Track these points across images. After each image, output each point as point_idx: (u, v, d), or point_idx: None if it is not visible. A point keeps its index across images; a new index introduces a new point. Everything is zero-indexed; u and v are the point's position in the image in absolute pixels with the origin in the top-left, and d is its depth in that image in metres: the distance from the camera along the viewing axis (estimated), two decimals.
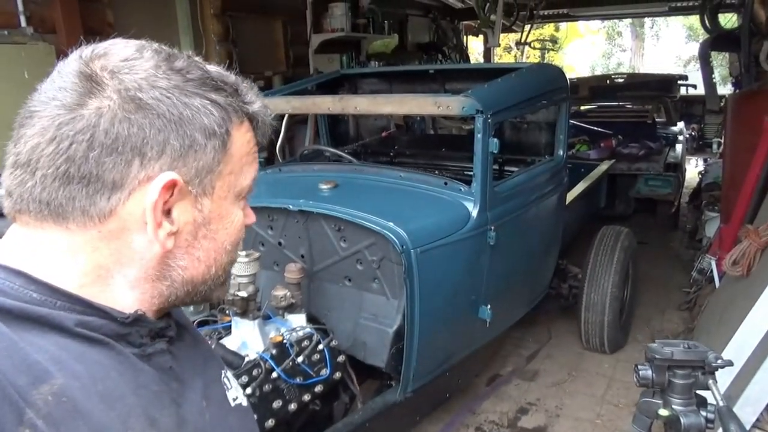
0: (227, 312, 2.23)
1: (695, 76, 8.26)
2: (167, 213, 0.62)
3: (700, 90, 7.77)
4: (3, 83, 2.93)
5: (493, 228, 2.48)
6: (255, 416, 1.86)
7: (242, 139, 0.67)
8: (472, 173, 2.49)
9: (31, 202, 0.59)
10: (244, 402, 0.79)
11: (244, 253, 2.16)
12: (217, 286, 0.71)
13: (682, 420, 1.11)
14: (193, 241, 0.65)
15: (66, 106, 0.58)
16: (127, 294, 0.63)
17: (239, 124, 0.66)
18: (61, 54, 0.63)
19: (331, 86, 3.57)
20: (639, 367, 1.14)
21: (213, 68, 0.67)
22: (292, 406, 2.06)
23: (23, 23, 3.24)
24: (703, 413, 1.12)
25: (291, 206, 2.38)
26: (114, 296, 0.62)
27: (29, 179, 0.59)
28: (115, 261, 0.62)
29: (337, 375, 2.24)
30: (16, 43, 3.17)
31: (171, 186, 0.60)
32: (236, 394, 0.78)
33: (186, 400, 0.67)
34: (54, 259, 0.60)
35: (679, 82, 7.59)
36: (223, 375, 0.78)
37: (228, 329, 2.21)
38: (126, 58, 0.61)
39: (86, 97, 0.58)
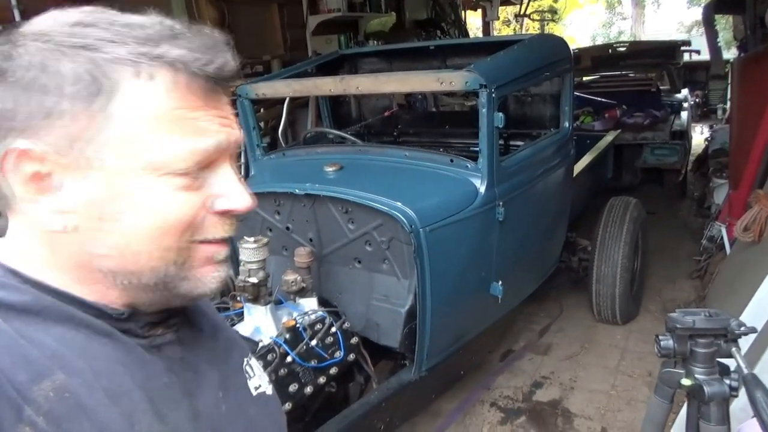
0: (239, 298, 2.23)
1: (699, 42, 8.13)
2: (51, 189, 0.56)
3: (704, 56, 7.65)
4: None
5: (501, 204, 2.46)
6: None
7: (149, 98, 0.55)
8: (477, 149, 2.46)
9: None
10: (269, 390, 0.76)
11: (252, 239, 2.15)
12: (177, 281, 0.60)
13: (706, 389, 1.10)
14: (99, 223, 0.56)
15: None
16: (84, 288, 0.59)
17: (146, 79, 0.55)
18: None
19: (331, 68, 3.52)
20: (660, 337, 1.13)
21: (127, 18, 0.57)
22: (308, 389, 2.07)
23: (17, 17, 3.21)
24: (727, 381, 1.11)
25: (297, 190, 2.36)
26: (83, 289, 0.59)
27: None
28: (48, 248, 0.58)
29: (351, 357, 2.24)
30: None
31: (20, 156, 0.54)
32: (259, 382, 0.75)
33: (200, 392, 0.65)
34: (16, 249, 0.59)
35: (682, 48, 7.43)
36: (245, 363, 0.75)
37: (240, 316, 2.21)
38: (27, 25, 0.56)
39: None
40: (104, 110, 0.54)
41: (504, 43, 2.88)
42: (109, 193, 0.55)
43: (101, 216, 0.56)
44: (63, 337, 0.54)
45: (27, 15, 3.20)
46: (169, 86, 0.55)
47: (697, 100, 8.38)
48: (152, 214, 0.56)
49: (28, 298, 0.55)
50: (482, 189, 2.41)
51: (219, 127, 0.59)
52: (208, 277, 0.62)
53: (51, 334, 0.54)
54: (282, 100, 3.42)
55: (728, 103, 6.13)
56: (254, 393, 0.73)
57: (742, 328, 1.06)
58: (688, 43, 7.77)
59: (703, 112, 8.70)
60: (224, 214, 0.61)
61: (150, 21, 0.57)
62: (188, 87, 0.56)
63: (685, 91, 6.75)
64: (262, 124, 4.43)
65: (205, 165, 0.59)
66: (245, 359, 0.76)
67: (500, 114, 2.37)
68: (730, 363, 1.12)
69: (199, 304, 0.73)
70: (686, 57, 7.85)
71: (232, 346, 0.76)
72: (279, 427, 0.78)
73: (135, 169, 0.55)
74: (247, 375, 0.74)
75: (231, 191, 0.61)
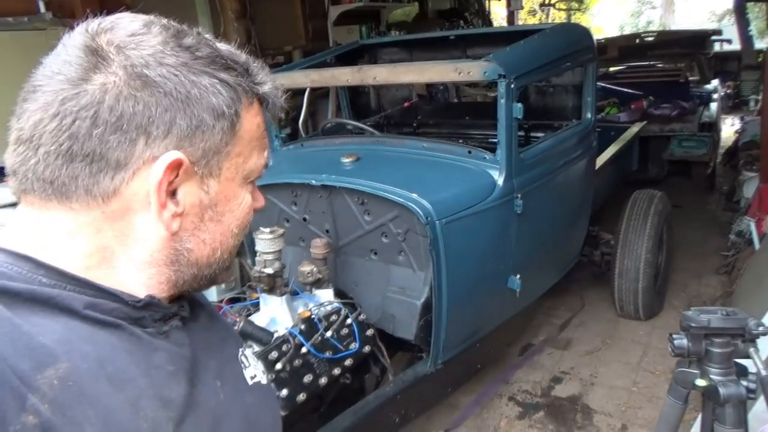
0: (255, 289, 2.24)
1: (730, 31, 7.90)
2: (172, 194, 0.60)
3: (736, 45, 7.45)
4: (26, 70, 2.95)
5: (519, 196, 2.43)
6: (285, 391, 1.88)
7: (252, 121, 0.66)
8: (496, 141, 2.43)
9: (35, 181, 0.58)
10: (264, 380, 0.77)
11: (268, 229, 2.16)
12: (222, 270, 0.69)
13: (721, 390, 1.06)
14: (199, 223, 0.64)
15: (70, 80, 0.56)
16: (134, 278, 0.62)
17: (249, 105, 0.65)
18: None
19: (351, 58, 3.51)
20: (674, 336, 1.09)
21: (223, 46, 0.65)
22: (323, 380, 2.07)
23: (42, 9, 3.25)
24: (744, 383, 1.07)
25: (313, 181, 2.36)
26: (121, 279, 0.61)
27: (32, 156, 0.57)
28: (119, 243, 0.61)
29: (367, 348, 2.24)
30: (37, 29, 3.19)
31: (176, 166, 0.59)
32: (254, 372, 0.77)
33: (200, 380, 0.66)
34: (58, 241, 0.59)
35: (713, 37, 7.23)
36: (240, 353, 0.77)
37: (256, 306, 2.22)
38: (133, 33, 0.59)
39: (91, 72, 0.56)
40: (234, 127, 0.63)
41: (525, 33, 2.83)
42: (218, 197, 0.64)
43: (204, 216, 0.64)
44: (68, 324, 0.55)
45: (51, 7, 3.25)
46: (258, 111, 0.67)
47: (728, 91, 8.16)
48: (243, 214, 0.68)
49: (34, 287, 0.55)
50: (500, 181, 2.38)
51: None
52: (233, 267, 0.72)
53: (58, 321, 0.54)
54: (303, 91, 3.41)
55: (761, 94, 5.94)
56: (250, 382, 0.75)
57: (761, 328, 1.02)
58: (719, 32, 7.56)
59: (735, 104, 8.48)
60: (254, 211, 0.71)
61: (232, 49, 0.66)
62: (263, 113, 0.69)
63: (715, 82, 6.58)
64: (282, 115, 4.44)
65: None
66: (240, 349, 0.77)
67: (519, 105, 2.34)
68: (749, 364, 1.08)
69: (196, 295, 0.75)
70: (717, 47, 7.65)
71: (228, 337, 0.78)
72: (274, 415, 0.79)
73: (237, 177, 0.66)
74: (242, 365, 0.76)
75: (258, 193, 0.72)
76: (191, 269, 0.65)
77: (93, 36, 0.58)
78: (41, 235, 0.59)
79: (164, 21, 0.62)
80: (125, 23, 0.60)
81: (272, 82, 0.68)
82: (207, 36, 0.64)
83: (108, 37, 0.58)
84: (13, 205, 0.65)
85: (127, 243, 0.61)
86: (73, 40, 0.59)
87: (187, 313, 0.69)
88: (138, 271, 0.62)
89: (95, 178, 0.57)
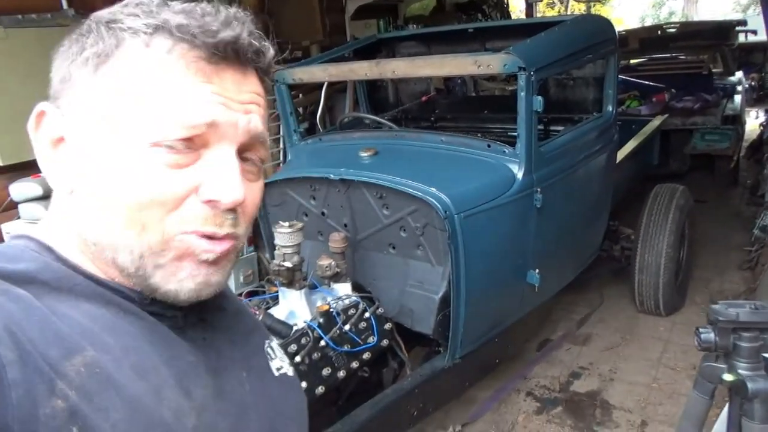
0: (274, 282, 2.25)
1: (755, 21, 7.74)
2: (63, 152, 0.59)
3: (761, 36, 7.29)
4: (48, 67, 2.99)
5: (539, 190, 2.41)
6: (304, 384, 1.89)
7: (143, 67, 0.55)
8: (516, 134, 2.41)
9: None
10: (290, 372, 0.77)
11: (287, 223, 2.17)
12: (150, 268, 0.57)
13: (749, 385, 1.04)
14: (89, 188, 0.57)
15: None
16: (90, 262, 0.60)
17: (138, 48, 0.55)
18: None
19: (368, 52, 3.50)
20: (700, 330, 1.07)
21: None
22: (341, 373, 2.08)
23: (65, 5, 3.28)
24: None
25: (332, 175, 2.36)
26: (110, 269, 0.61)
27: None
28: (63, 219, 0.62)
29: (385, 342, 2.24)
30: (60, 25, 3.22)
31: (42, 117, 0.59)
32: (280, 363, 0.76)
33: (224, 371, 0.66)
34: (59, 228, 0.62)
35: (738, 28, 7.10)
36: (266, 345, 0.77)
37: (276, 299, 2.24)
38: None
39: None
40: (104, 77, 0.56)
41: (545, 25, 2.80)
42: (98, 159, 0.56)
43: (87, 180, 0.57)
44: (92, 314, 0.56)
45: (74, 3, 3.29)
46: (164, 55, 0.55)
47: (752, 83, 8.01)
48: (132, 184, 0.55)
49: (62, 276, 0.56)
50: (520, 175, 2.36)
51: (215, 105, 0.56)
52: (182, 273, 0.57)
53: (81, 310, 0.55)
54: (321, 86, 3.41)
55: None
56: (276, 374, 0.75)
57: None
58: (743, 22, 7.42)
59: (759, 96, 8.31)
60: (211, 204, 0.57)
61: (185, 4, 0.59)
62: (186, 58, 0.55)
63: (739, 74, 6.47)
64: (301, 110, 4.45)
65: (200, 145, 0.57)
66: (266, 341, 0.77)
67: (539, 98, 2.31)
68: None
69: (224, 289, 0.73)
70: (742, 38, 7.51)
71: (254, 328, 0.77)
72: (300, 407, 0.79)
73: (124, 136, 0.55)
74: (268, 356, 0.75)
75: (216, 179, 0.56)
76: (94, 248, 0.58)
77: None
78: (50, 223, 0.62)
79: None
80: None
81: (195, 17, 0.56)
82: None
83: None
84: (41, 198, 0.67)
85: (64, 214, 0.61)
86: None
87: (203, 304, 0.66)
88: (82, 252, 0.60)
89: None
